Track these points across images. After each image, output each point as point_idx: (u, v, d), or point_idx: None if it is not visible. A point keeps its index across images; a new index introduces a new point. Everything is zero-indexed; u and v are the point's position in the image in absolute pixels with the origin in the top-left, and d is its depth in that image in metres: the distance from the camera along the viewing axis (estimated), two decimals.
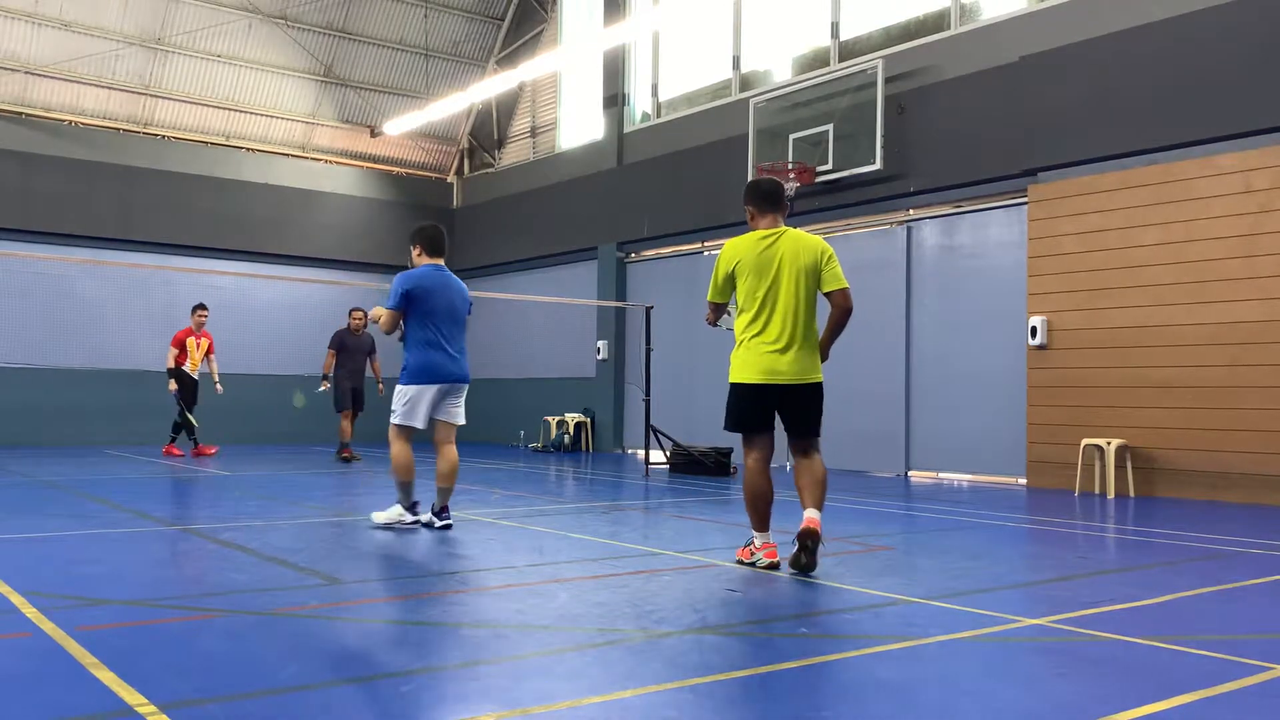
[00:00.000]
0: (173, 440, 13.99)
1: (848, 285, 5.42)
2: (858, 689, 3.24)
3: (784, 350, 5.35)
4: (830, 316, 5.46)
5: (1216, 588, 5.12)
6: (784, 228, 5.50)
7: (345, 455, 13.24)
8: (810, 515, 5.29)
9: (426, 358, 6.64)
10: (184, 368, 13.57)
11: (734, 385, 5.48)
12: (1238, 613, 4.59)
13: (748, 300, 5.42)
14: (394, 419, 6.71)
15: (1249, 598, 4.93)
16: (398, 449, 6.71)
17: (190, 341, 13.63)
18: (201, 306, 13.77)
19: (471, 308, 7.06)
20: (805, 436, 5.47)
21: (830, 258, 5.41)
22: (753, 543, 5.51)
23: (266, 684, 3.19)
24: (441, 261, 6.94)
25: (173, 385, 13.44)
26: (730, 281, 5.49)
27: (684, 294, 15.32)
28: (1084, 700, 3.14)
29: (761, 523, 5.47)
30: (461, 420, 6.88)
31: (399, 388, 6.70)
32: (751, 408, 5.44)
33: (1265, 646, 3.87)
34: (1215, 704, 3.12)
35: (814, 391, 5.44)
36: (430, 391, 6.66)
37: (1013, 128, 11.39)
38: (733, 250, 5.48)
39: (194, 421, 13.65)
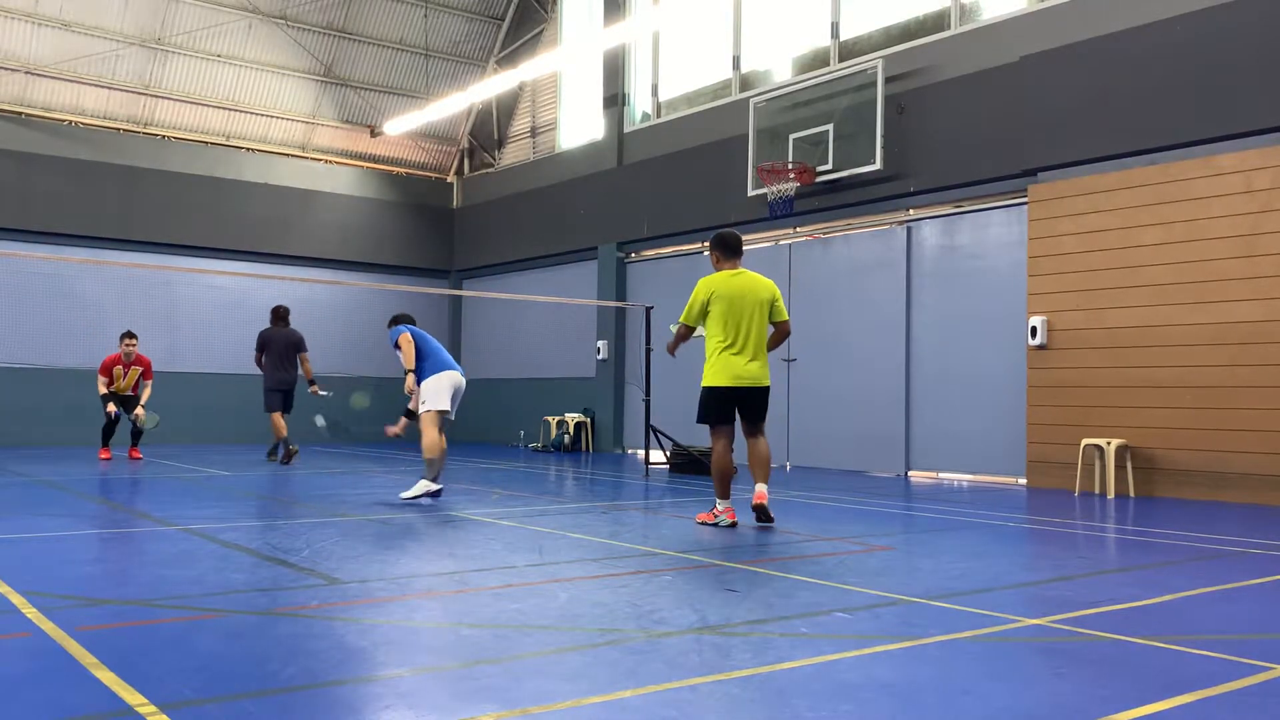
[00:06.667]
0: (105, 444, 13.47)
1: (789, 318, 7.43)
2: (858, 689, 3.24)
3: (749, 361, 7.12)
4: (775, 334, 7.36)
5: (1216, 588, 5.12)
6: (743, 269, 7.35)
7: (277, 455, 12.57)
8: (761, 490, 7.08)
9: (435, 362, 8.53)
10: (113, 390, 13.24)
11: (709, 388, 7.19)
12: (1238, 613, 4.59)
13: (720, 322, 7.10)
14: (423, 407, 8.35)
15: (1249, 598, 4.93)
16: (430, 434, 8.25)
17: (118, 370, 13.22)
18: (129, 335, 13.33)
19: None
20: (757, 424, 7.26)
21: (779, 296, 7.33)
22: (715, 508, 7.16)
23: (266, 684, 3.19)
24: (412, 325, 8.84)
25: (111, 408, 13.09)
26: (704, 309, 7.18)
27: (684, 294, 15.10)
28: (1084, 700, 3.14)
29: (725, 492, 7.13)
30: (451, 416, 8.61)
31: (422, 384, 8.41)
32: (721, 405, 7.18)
33: (1265, 646, 3.87)
34: (1215, 704, 3.11)
35: (766, 392, 7.23)
36: (446, 378, 8.41)
37: (1013, 128, 11.39)
38: (709, 284, 7.23)
39: (113, 427, 13.32)
